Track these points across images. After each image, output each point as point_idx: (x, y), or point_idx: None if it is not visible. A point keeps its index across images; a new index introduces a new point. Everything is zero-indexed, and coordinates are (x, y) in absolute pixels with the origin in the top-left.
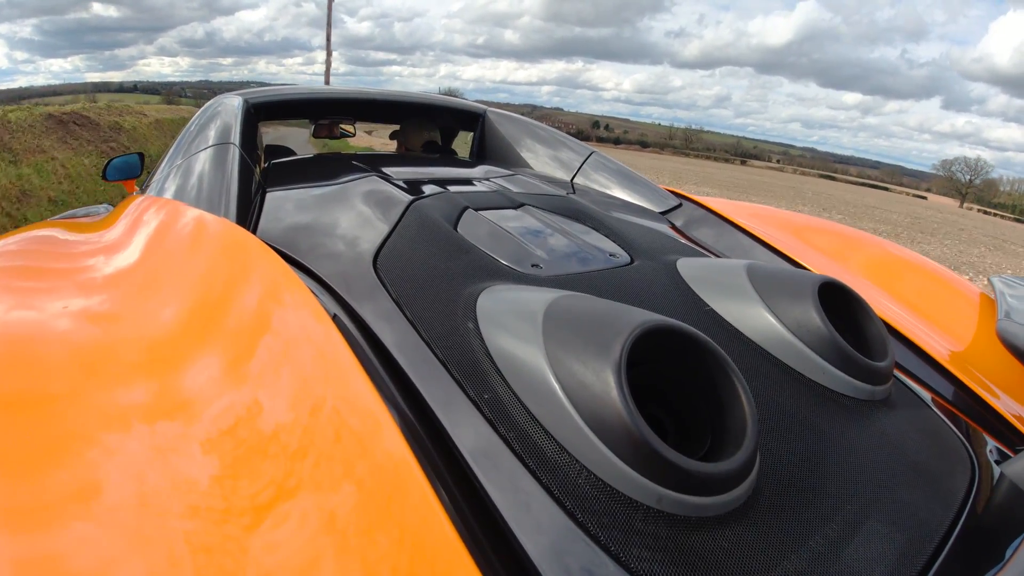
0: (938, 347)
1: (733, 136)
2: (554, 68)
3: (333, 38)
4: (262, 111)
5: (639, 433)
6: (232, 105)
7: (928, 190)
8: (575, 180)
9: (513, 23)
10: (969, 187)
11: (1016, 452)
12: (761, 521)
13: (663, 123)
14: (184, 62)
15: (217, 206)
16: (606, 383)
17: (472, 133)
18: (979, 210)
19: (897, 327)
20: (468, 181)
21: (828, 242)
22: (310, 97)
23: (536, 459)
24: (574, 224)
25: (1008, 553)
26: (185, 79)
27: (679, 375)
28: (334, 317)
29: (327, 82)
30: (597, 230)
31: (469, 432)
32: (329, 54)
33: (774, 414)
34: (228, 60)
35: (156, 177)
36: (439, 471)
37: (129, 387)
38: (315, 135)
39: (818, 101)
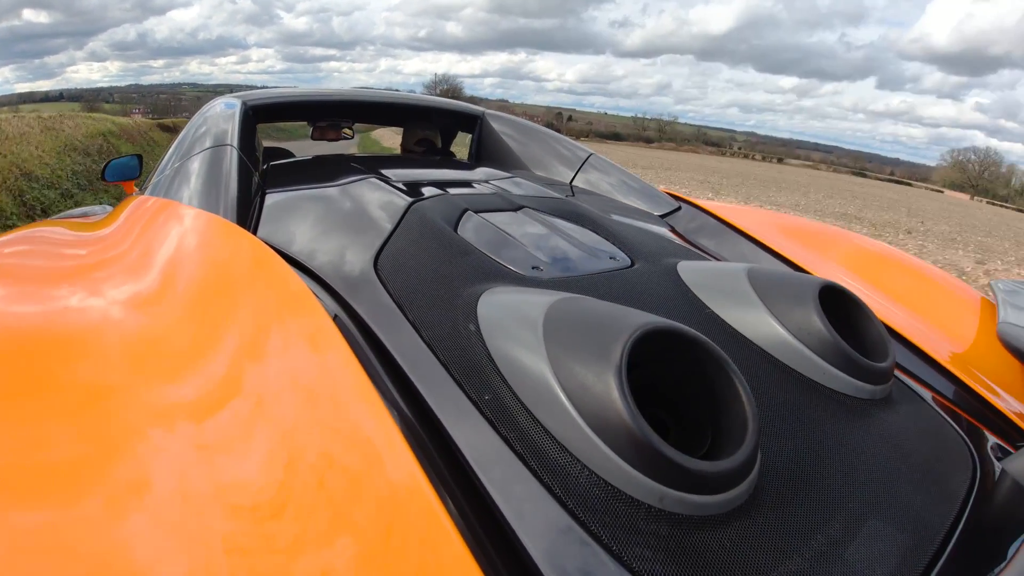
0: (938, 348)
1: (691, 125)
2: (497, 60)
3: (267, 34)
4: (260, 113)
5: (640, 433)
6: (230, 107)
7: (891, 174)
8: (574, 182)
9: (456, 15)
10: (980, 178)
11: (1017, 449)
12: (763, 520)
13: (609, 112)
14: (114, 67)
15: (216, 207)
16: (607, 384)
17: (470, 135)
18: (987, 202)
19: (897, 328)
20: (467, 183)
21: (827, 245)
22: (308, 99)
23: (537, 459)
24: (574, 227)
25: (1011, 551)
26: (114, 84)
27: (679, 376)
28: (335, 318)
29: None
30: (597, 233)
31: (470, 433)
32: None
33: (774, 413)
34: (159, 62)
35: (154, 178)
36: (440, 472)
37: (127, 386)
38: (313, 137)
39: (756, 86)
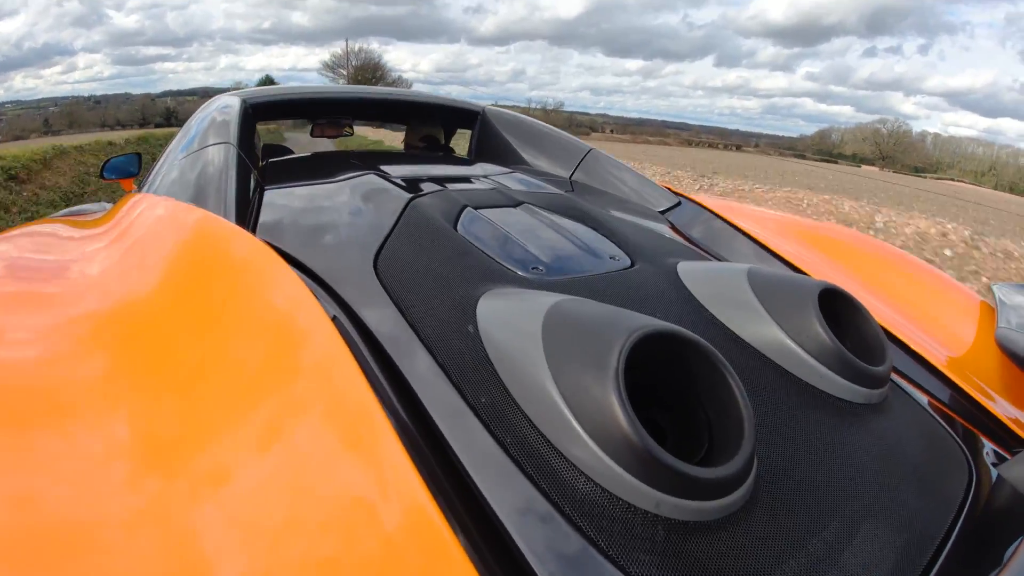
0: (936, 352)
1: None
2: (330, 75)
3: (95, 36)
4: (260, 111)
5: (637, 438)
6: (230, 105)
7: (756, 146)
8: (573, 177)
9: (302, 4)
10: (892, 149)
11: (1014, 455)
12: (759, 525)
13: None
14: None
15: (215, 205)
16: (604, 388)
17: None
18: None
19: (894, 332)
20: (467, 179)
21: (827, 245)
22: (308, 97)
23: (533, 464)
24: (574, 224)
25: (1007, 556)
26: None
27: (677, 379)
28: (333, 318)
29: None
30: (597, 231)
31: (466, 436)
32: None
33: (771, 418)
34: None
35: (153, 176)
36: (436, 475)
37: (126, 384)
38: (313, 135)
39: (605, 69)
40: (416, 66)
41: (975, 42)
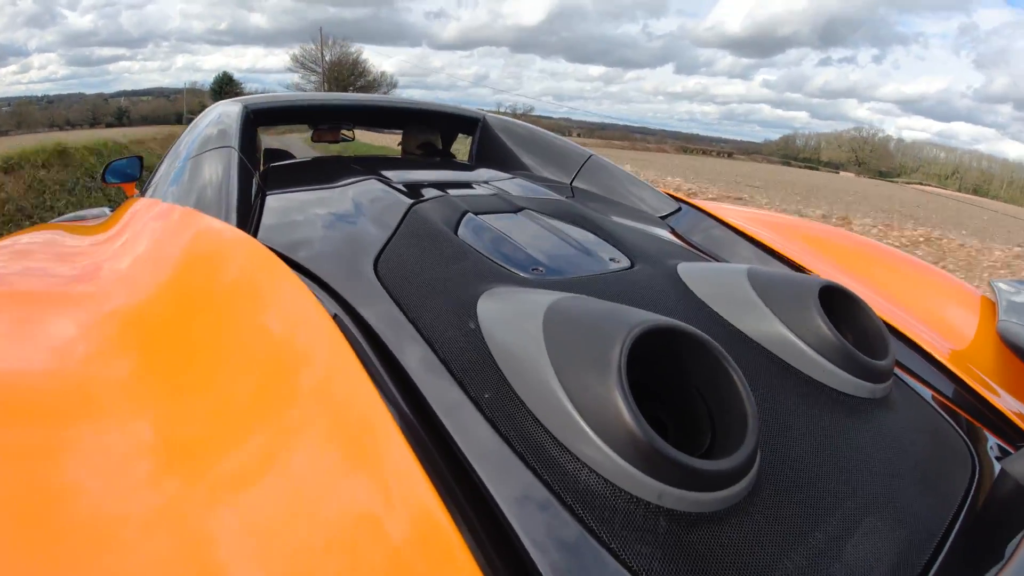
0: (938, 346)
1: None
2: (300, 72)
3: (49, 37)
4: (261, 116)
5: (639, 431)
6: (231, 111)
7: (731, 154)
8: (574, 183)
9: (260, 4)
10: (868, 156)
11: (1017, 449)
12: (761, 518)
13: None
14: None
15: (217, 209)
16: (607, 382)
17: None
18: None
19: (897, 327)
20: (468, 185)
21: (827, 245)
22: (309, 103)
23: (537, 457)
24: (574, 228)
25: (1009, 550)
26: None
27: (679, 373)
28: (336, 320)
29: None
30: (597, 234)
31: (470, 432)
32: None
33: (774, 411)
34: None
35: (155, 181)
36: (440, 470)
37: (129, 387)
38: (313, 139)
39: (567, 75)
40: (377, 67)
41: (929, 51)
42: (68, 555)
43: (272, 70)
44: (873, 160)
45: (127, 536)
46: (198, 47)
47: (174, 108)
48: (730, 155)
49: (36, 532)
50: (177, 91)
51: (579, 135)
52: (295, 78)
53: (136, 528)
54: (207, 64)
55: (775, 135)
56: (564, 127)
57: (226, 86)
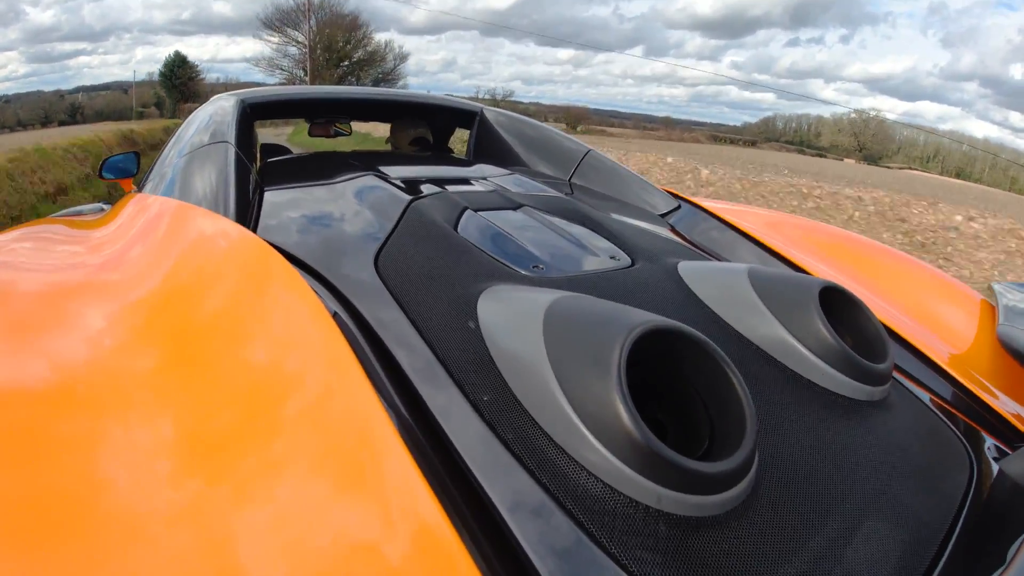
0: (937, 349)
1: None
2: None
3: (11, 35)
4: (257, 110)
5: (638, 434)
6: (227, 105)
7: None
8: (572, 179)
9: None
10: (871, 139)
11: (1015, 450)
12: (760, 521)
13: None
14: None
15: (215, 204)
16: (606, 384)
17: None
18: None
19: (896, 329)
20: (466, 181)
21: (827, 245)
22: (305, 97)
23: (535, 460)
24: (574, 226)
25: (1010, 554)
26: None
27: (678, 375)
28: (335, 316)
29: None
30: (597, 232)
31: (468, 433)
32: None
33: (772, 414)
34: None
35: (152, 176)
36: (437, 472)
37: (127, 383)
38: (310, 134)
39: (536, 59)
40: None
41: (896, 31)
42: (67, 559)
43: (233, 59)
44: (875, 145)
45: (127, 537)
46: (160, 38)
47: (130, 102)
48: (754, 143)
49: (33, 535)
50: (140, 83)
51: (556, 120)
52: (265, 49)
53: (136, 527)
54: (167, 54)
55: (745, 117)
56: (535, 112)
57: (178, 69)
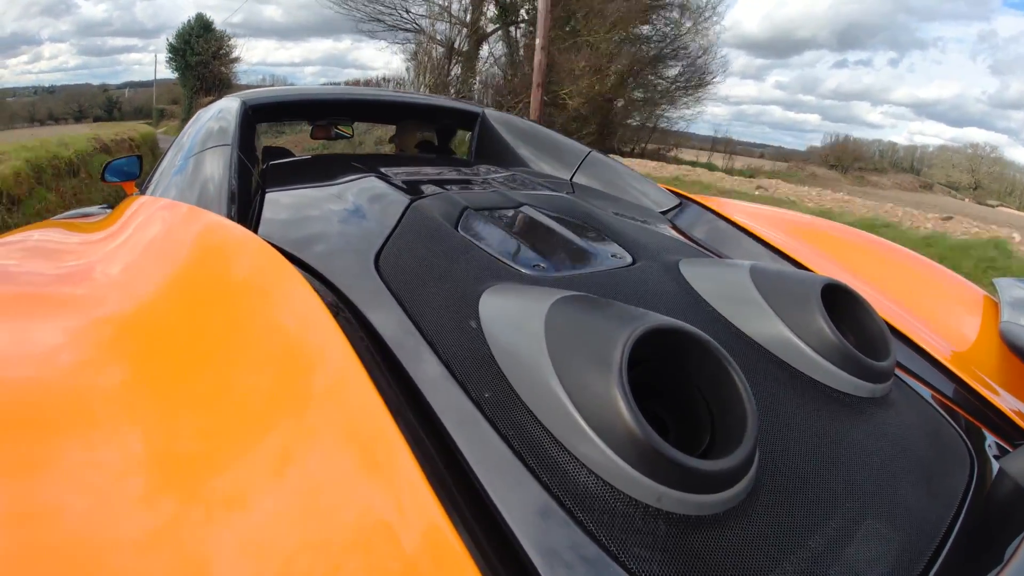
0: (940, 346)
1: None
2: (320, 47)
3: (62, 26)
4: (260, 113)
5: (640, 432)
6: (229, 107)
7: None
8: (574, 179)
9: None
10: (986, 176)
11: (1016, 447)
12: (761, 519)
13: None
14: None
15: (217, 206)
16: (607, 383)
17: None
18: None
19: (898, 326)
20: (467, 181)
21: (829, 242)
22: (307, 98)
23: (536, 458)
24: (575, 225)
25: (1009, 551)
26: None
27: (679, 374)
28: (337, 316)
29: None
30: (598, 230)
31: (469, 431)
32: None
33: (774, 412)
34: None
35: (154, 179)
36: (438, 470)
37: (128, 384)
38: (313, 136)
39: None
40: (388, 63)
41: (946, 56)
42: (68, 560)
43: (280, 63)
44: (992, 183)
45: (132, 553)
46: None
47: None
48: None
49: (34, 549)
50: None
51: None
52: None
53: (141, 542)
54: (186, 19)
55: (788, 138)
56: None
57: (196, 41)
